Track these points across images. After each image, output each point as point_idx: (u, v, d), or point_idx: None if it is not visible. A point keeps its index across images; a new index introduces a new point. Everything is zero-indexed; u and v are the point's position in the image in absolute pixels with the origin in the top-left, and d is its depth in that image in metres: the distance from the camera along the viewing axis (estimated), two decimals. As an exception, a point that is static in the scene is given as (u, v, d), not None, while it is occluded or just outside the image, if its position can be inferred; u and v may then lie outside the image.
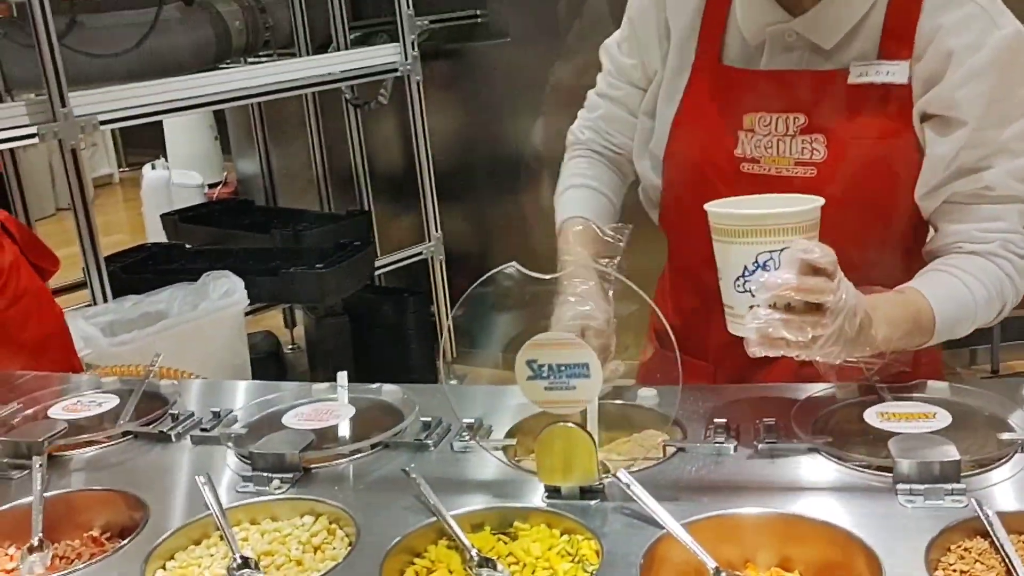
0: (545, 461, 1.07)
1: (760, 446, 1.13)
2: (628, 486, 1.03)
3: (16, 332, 1.68)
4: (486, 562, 0.98)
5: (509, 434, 1.21)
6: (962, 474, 1.01)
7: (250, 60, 4.05)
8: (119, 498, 1.16)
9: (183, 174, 5.57)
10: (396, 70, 3.76)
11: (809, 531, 0.98)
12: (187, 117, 5.62)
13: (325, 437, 1.23)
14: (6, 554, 1.09)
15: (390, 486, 1.13)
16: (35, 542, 1.06)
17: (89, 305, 3.03)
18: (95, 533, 1.13)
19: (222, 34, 3.79)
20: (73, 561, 1.07)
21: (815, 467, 1.10)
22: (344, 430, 1.26)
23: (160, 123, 5.75)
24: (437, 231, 3.93)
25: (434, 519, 1.04)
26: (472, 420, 1.22)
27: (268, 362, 4.16)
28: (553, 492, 1.07)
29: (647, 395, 1.28)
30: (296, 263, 3.42)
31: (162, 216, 4.23)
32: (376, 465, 1.19)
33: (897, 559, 0.91)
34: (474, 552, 0.98)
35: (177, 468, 1.23)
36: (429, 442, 1.22)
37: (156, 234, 4.57)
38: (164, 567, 1.03)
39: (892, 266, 1.29)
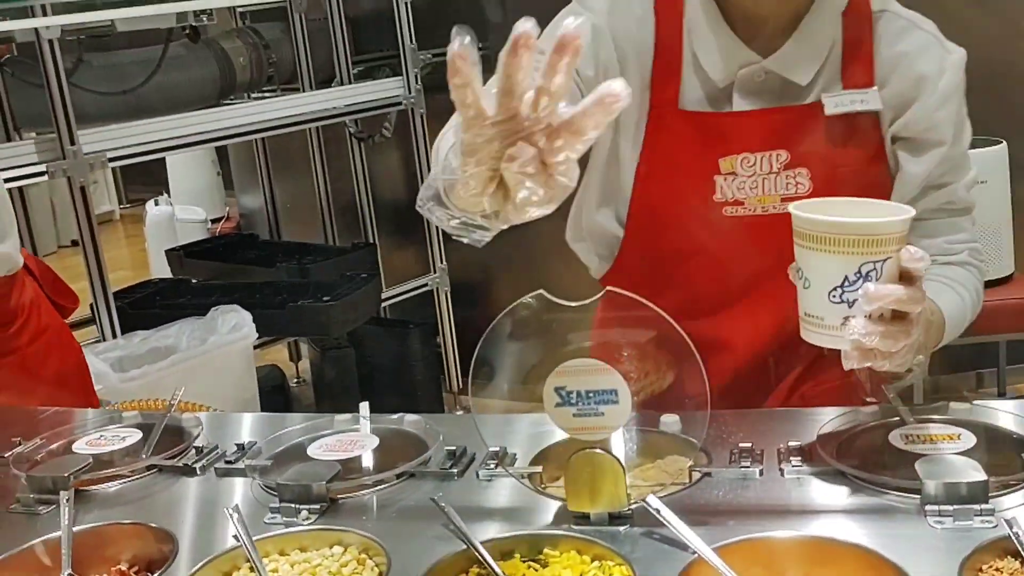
0: (573, 488, 1.07)
1: (786, 470, 1.14)
2: (658, 511, 1.03)
3: (37, 368, 1.69)
4: (519, 589, 0.98)
5: (534, 461, 1.22)
6: (991, 495, 1.02)
7: (254, 96, 4.09)
8: (147, 531, 1.16)
9: (186, 209, 5.58)
10: (400, 103, 3.79)
11: (840, 554, 0.99)
12: (190, 153, 5.64)
13: (350, 468, 1.23)
14: (36, 589, 1.09)
15: (418, 515, 1.13)
16: (65, 576, 1.06)
17: (98, 341, 3.04)
18: (123, 567, 1.13)
19: (227, 70, 3.83)
20: (103, 595, 1.07)
21: (842, 490, 1.10)
22: (369, 460, 1.26)
23: (162, 159, 5.77)
24: (442, 262, 3.95)
25: (464, 547, 1.04)
26: (497, 448, 1.22)
27: (274, 396, 4.16)
28: (581, 518, 1.08)
29: (669, 421, 1.28)
30: (302, 296, 3.44)
31: (167, 251, 4.25)
32: (403, 495, 1.19)
33: (930, 580, 0.91)
34: (506, 579, 0.99)
35: (203, 501, 1.23)
36: (455, 471, 1.22)
37: (161, 270, 4.58)
38: (195, 600, 1.03)
39: None
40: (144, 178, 7.37)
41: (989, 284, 3.33)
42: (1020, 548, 0.94)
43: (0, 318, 1.68)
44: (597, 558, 1.04)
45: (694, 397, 1.18)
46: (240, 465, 1.27)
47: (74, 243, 5.60)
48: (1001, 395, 3.78)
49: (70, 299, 1.88)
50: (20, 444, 1.35)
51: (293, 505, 1.15)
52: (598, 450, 1.07)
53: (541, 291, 1.12)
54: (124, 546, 1.15)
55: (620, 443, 1.14)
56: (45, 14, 2.79)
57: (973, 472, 1.03)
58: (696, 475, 1.16)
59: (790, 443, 1.17)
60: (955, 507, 1.01)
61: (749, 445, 1.18)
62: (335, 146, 4.20)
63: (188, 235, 5.08)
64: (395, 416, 1.37)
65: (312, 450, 1.28)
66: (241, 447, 1.32)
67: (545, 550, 1.06)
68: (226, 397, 2.97)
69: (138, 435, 1.38)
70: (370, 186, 4.13)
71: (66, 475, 1.22)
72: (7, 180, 2.27)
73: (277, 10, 4.09)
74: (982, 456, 1.08)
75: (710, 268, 1.35)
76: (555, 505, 1.11)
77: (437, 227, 1.08)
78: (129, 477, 1.29)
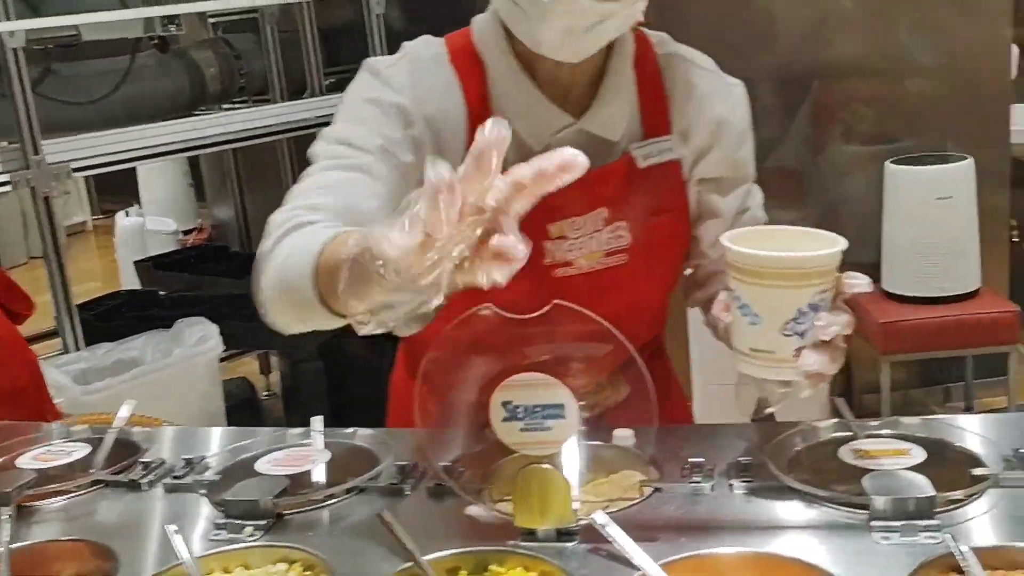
0: (521, 503, 1.06)
1: (736, 485, 1.13)
2: (604, 527, 1.02)
3: (-14, 380, 1.66)
4: (462, 607, 0.97)
5: (485, 477, 1.20)
6: (937, 510, 1.02)
7: (225, 107, 4.06)
8: (88, 548, 1.14)
9: (157, 221, 5.54)
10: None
11: (786, 570, 0.98)
12: (161, 164, 5.61)
13: (299, 483, 1.22)
14: (-28, 607, 1.07)
15: (365, 531, 1.12)
16: (2, 594, 1.04)
17: (61, 353, 3.00)
18: (63, 584, 1.11)
19: (197, 81, 3.81)
20: (41, 613, 1.05)
21: (791, 505, 1.10)
22: (318, 475, 1.25)
23: (134, 170, 5.73)
24: (412, 275, 3.92)
25: (409, 564, 1.03)
26: (447, 463, 1.21)
27: (243, 409, 4.12)
28: (529, 534, 1.07)
29: (623, 435, 1.28)
30: (271, 308, 3.41)
31: (136, 263, 4.21)
32: (351, 510, 1.18)
33: (874, 597, 0.91)
34: (450, 597, 0.97)
35: (149, 517, 1.21)
36: (404, 486, 1.21)
37: (130, 281, 4.54)
38: (134, 618, 1.01)
39: (666, 314, 1.45)
40: (117, 189, 7.32)
41: (956, 299, 3.37)
42: (964, 564, 0.93)
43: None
44: (544, 574, 1.03)
45: (642, 411, 1.18)
46: (188, 480, 1.25)
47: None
48: (968, 409, 3.80)
49: (24, 305, 1.84)
50: (-36, 459, 1.33)
51: (238, 521, 1.14)
52: (546, 465, 1.06)
53: (489, 304, 1.12)
54: (65, 563, 1.13)
55: (572, 458, 1.13)
56: (8, 18, 2.77)
57: (920, 488, 1.03)
58: (648, 490, 1.15)
59: (740, 458, 1.17)
60: (901, 523, 1.01)
61: (701, 460, 1.18)
62: (307, 158, 4.17)
63: (158, 246, 5.04)
64: (349, 430, 1.36)
65: (261, 465, 1.26)
66: (189, 462, 1.30)
67: (491, 567, 1.05)
68: (191, 410, 2.94)
69: (87, 449, 1.36)
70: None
71: (8, 491, 1.20)
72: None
73: (248, 21, 4.07)
74: (931, 471, 1.07)
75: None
76: (505, 521, 1.10)
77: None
78: (74, 493, 1.27)
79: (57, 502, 1.25)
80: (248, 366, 4.50)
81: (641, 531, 1.04)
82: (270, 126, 3.58)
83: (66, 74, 3.41)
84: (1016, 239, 3.96)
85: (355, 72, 1.34)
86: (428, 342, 1.21)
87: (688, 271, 1.42)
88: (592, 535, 1.05)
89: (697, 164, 1.35)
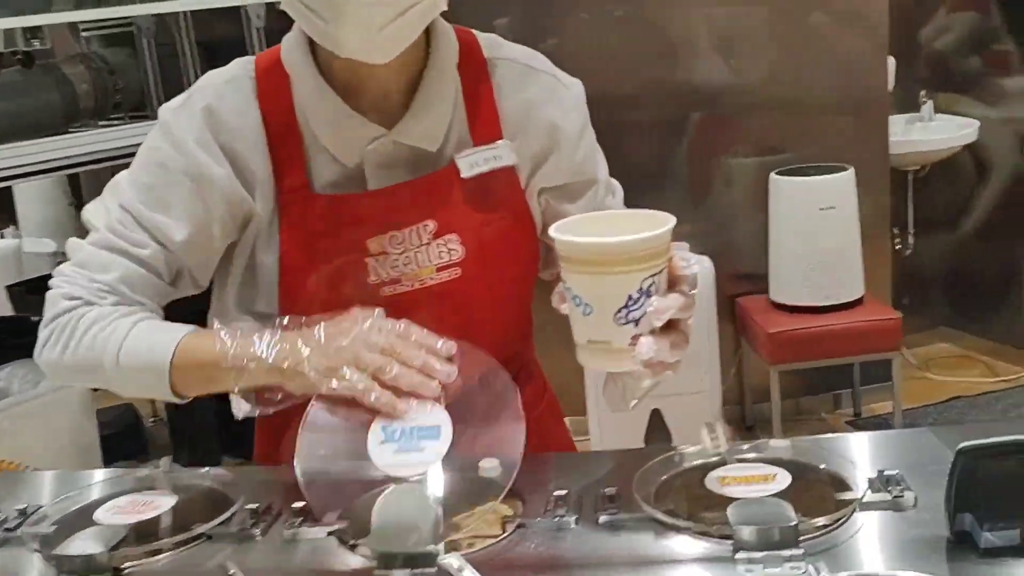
0: (380, 529, 1.01)
1: (601, 518, 1.09)
2: (460, 572, 0.97)
3: None
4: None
5: (343, 516, 1.14)
6: (802, 538, 0.99)
7: (101, 123, 3.91)
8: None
9: (35, 242, 5.31)
10: (254, 131, 3.67)
11: (648, 608, 0.94)
12: (40, 183, 5.38)
13: (141, 532, 1.13)
14: None
15: (209, 583, 1.04)
16: None
17: (-81, 386, 2.83)
18: None
19: (69, 97, 3.64)
20: None
21: (657, 538, 1.06)
22: (163, 522, 1.17)
23: (10, 190, 5.49)
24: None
25: (254, 619, 0.96)
26: (301, 504, 1.14)
27: (126, 437, 3.97)
28: (386, 565, 1.00)
29: (489, 466, 1.22)
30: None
31: (7, 287, 4.02)
32: (196, 559, 1.10)
33: (735, 635, 0.88)
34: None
35: (-26, 575, 1.11)
36: (256, 531, 1.13)
37: (2, 307, 4.33)
38: None
39: (527, 330, 1.42)
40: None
41: (841, 307, 3.42)
42: (826, 596, 0.91)
43: None
44: (397, 623, 0.97)
45: (512, 441, 1.14)
46: (19, 533, 1.16)
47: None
48: (857, 415, 3.88)
49: None
50: None
51: (71, 577, 1.05)
52: (410, 486, 1.03)
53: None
54: None
55: (438, 482, 1.08)
56: None
57: (784, 516, 1.00)
58: (511, 526, 1.10)
59: (606, 489, 1.13)
60: (765, 553, 0.97)
61: (565, 492, 1.13)
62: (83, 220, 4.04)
63: (36, 269, 4.82)
64: (203, 470, 1.29)
65: (100, 514, 1.17)
66: (23, 512, 1.20)
67: (343, 616, 0.99)
68: (62, 444, 2.80)
69: (-89, 501, 1.25)
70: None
71: None
72: None
73: (124, 35, 3.92)
74: (796, 497, 1.05)
75: None
76: (360, 562, 1.04)
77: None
78: None
79: None
80: (132, 392, 4.32)
81: (503, 570, 0.99)
82: (148, 143, 3.44)
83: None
84: (897, 247, 4.06)
85: None
86: None
87: (548, 279, 1.36)
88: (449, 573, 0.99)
89: (536, 172, 1.30)
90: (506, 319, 1.34)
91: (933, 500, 1.03)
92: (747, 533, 0.99)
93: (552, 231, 1.04)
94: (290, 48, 1.26)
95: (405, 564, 1.00)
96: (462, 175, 1.25)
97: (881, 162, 3.70)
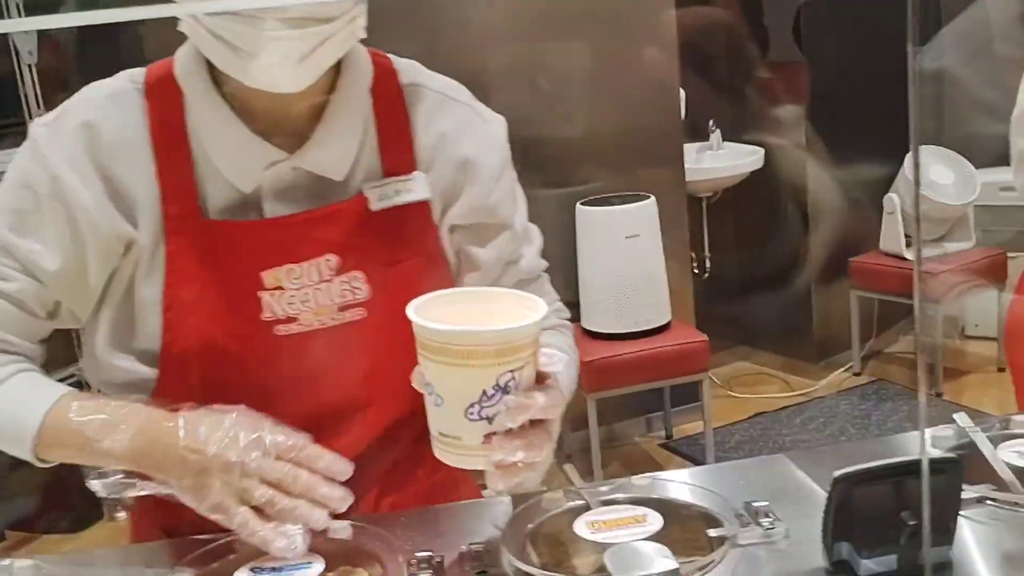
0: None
1: (469, 578, 1.02)
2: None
3: None
4: None
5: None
6: (682, 581, 0.95)
7: None
8: None
9: None
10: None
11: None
12: None
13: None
14: None
15: None
16: None
17: None
18: None
19: None
20: None
21: (531, 594, 1.00)
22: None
23: None
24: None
25: None
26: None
27: None
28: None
29: (339, 526, 1.13)
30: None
31: None
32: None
33: None
34: None
35: None
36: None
37: None
38: None
39: None
40: None
41: (648, 333, 3.49)
42: (717, 641, 0.87)
43: None
44: None
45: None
46: None
47: None
48: (669, 437, 3.96)
49: None
50: None
51: None
52: None
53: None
54: None
55: None
56: None
57: (663, 560, 0.96)
58: (372, 596, 1.01)
59: (473, 545, 1.05)
60: (649, 601, 0.93)
61: (429, 553, 1.05)
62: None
63: None
64: (6, 562, 1.12)
65: None
66: None
67: None
68: None
69: None
70: None
71: None
72: None
73: None
74: (670, 537, 1.01)
75: (268, 395, 1.13)
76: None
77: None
78: None
79: None
80: None
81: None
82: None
83: None
84: (696, 271, 4.20)
85: (12, 127, 1.16)
86: None
87: None
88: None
89: (448, 209, 1.20)
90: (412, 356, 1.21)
91: (803, 530, 1.02)
92: (629, 581, 0.94)
93: (409, 310, 0.93)
94: (185, 63, 1.14)
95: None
96: (370, 207, 1.15)
97: (679, 190, 3.82)
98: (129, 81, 1.15)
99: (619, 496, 1.14)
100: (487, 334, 0.89)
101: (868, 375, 4.34)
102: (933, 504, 0.91)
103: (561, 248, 3.62)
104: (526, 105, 3.63)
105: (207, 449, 1.02)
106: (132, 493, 1.06)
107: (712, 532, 1.04)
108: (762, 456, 1.26)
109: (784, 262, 4.47)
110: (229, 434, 1.02)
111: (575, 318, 3.56)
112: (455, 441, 0.93)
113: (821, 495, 1.13)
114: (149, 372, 1.13)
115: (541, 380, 0.96)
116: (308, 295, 1.13)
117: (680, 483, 1.16)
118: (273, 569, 1.02)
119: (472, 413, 0.91)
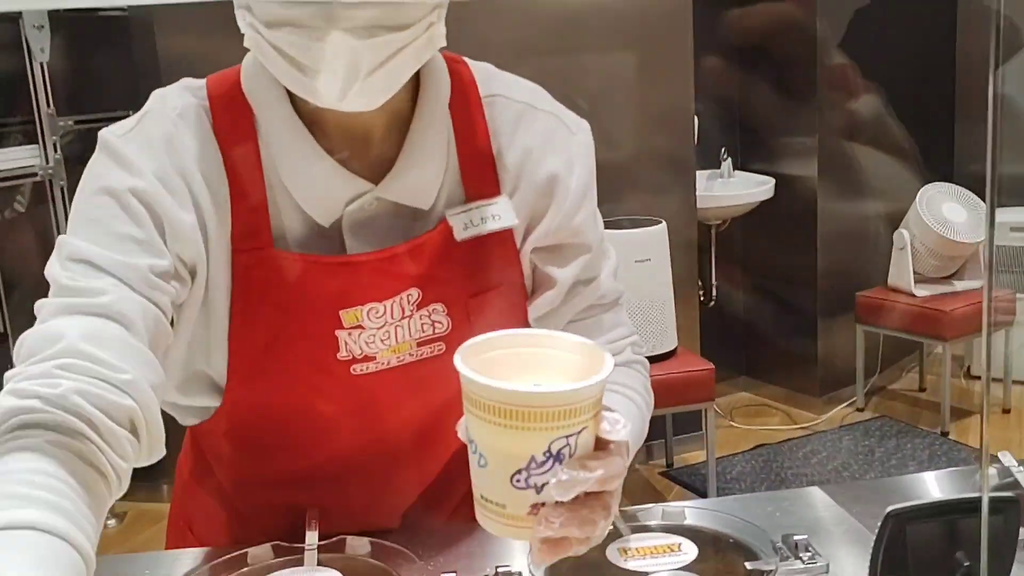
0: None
1: (496, 603, 0.97)
2: None
3: None
4: None
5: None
6: (720, 614, 0.91)
7: None
8: None
9: None
10: (36, 174, 3.38)
11: None
12: None
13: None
14: None
15: None
16: None
17: None
18: None
19: None
20: None
21: (561, 622, 0.96)
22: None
23: None
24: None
25: None
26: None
27: None
28: None
29: (358, 544, 1.09)
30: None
31: None
32: None
33: None
34: None
35: None
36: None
37: None
38: None
39: None
40: None
41: (654, 359, 3.45)
42: None
43: None
44: None
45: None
46: None
47: None
48: (669, 466, 3.92)
49: None
50: None
51: None
52: None
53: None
54: None
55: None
56: None
57: (703, 592, 0.92)
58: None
59: (499, 568, 1.01)
60: (688, 635, 0.89)
61: (452, 574, 1.01)
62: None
63: None
64: None
65: None
66: None
67: None
68: None
69: None
70: (1, 268, 3.63)
71: None
72: None
73: None
74: (706, 568, 0.97)
75: (330, 426, 1.08)
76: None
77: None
78: None
79: None
80: None
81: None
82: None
83: None
84: (702, 299, 4.17)
85: (21, 125, 1.08)
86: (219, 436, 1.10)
87: None
88: None
89: (531, 231, 1.10)
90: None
91: (844, 566, 0.98)
92: (667, 613, 0.90)
93: (456, 358, 0.78)
94: (254, 75, 1.03)
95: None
96: (456, 237, 1.05)
97: (689, 216, 3.80)
98: (192, 96, 1.03)
99: (653, 524, 1.09)
100: (540, 395, 0.76)
101: (871, 411, 4.31)
102: (989, 545, 0.87)
103: (569, 270, 3.59)
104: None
105: None
106: None
107: (750, 565, 1.00)
108: (797, 490, 1.21)
109: (790, 294, 4.44)
110: None
111: (581, 341, 3.52)
112: (499, 508, 0.80)
113: (860, 529, 1.09)
114: (213, 402, 1.06)
115: (602, 446, 0.81)
116: (388, 333, 1.04)
117: (713, 511, 1.12)
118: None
119: (519, 480, 0.78)
